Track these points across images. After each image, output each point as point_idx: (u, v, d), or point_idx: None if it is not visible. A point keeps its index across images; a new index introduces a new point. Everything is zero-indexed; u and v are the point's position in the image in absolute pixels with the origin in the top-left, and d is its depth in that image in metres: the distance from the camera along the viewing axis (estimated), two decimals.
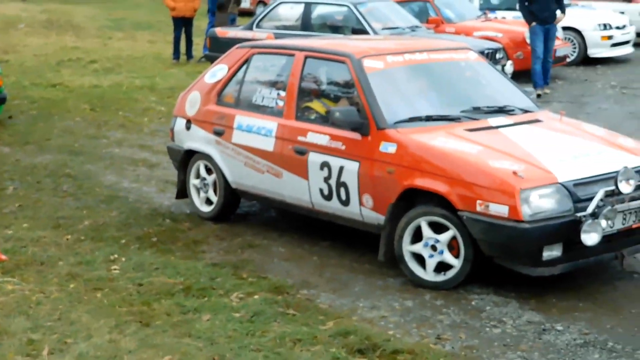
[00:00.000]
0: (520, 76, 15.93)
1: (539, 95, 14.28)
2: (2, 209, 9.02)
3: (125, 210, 9.06)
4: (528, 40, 16.71)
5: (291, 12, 17.04)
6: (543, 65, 15.54)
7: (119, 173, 10.67)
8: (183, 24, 19.99)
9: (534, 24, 15.44)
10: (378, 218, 7.19)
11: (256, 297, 6.67)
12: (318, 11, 16.72)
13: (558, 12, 15.84)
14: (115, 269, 7.30)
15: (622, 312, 6.46)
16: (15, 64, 19.23)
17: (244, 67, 8.55)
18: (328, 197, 7.56)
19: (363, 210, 7.33)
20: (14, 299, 6.56)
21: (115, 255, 7.61)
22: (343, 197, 7.43)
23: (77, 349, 5.69)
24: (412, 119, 7.31)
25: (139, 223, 8.62)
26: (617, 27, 19.59)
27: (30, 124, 13.60)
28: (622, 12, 20.71)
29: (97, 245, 7.90)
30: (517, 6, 16.21)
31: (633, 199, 6.70)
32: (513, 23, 18.25)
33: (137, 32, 26.50)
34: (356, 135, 7.28)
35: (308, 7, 16.79)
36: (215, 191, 8.61)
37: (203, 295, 6.70)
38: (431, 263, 6.87)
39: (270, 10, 17.38)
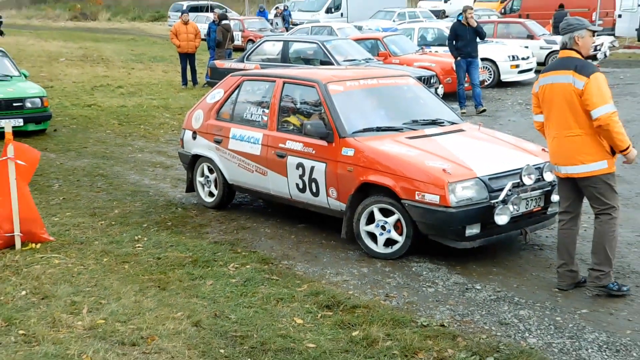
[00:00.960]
0: (449, 97, 16.06)
1: (464, 113, 14.26)
2: (50, 201, 9.02)
3: (146, 202, 9.07)
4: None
5: (273, 48, 17.06)
6: (474, 90, 15.40)
7: (141, 173, 10.68)
8: (187, 58, 19.96)
9: (458, 58, 15.35)
10: (341, 206, 7.25)
11: (248, 266, 6.71)
12: (294, 47, 16.76)
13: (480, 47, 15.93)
14: (138, 247, 7.32)
15: (525, 275, 6.55)
16: (58, 89, 19.14)
17: (237, 90, 8.57)
18: (302, 190, 7.60)
19: (329, 200, 7.38)
20: (59, 270, 6.60)
21: (139, 236, 7.64)
22: (314, 190, 7.47)
23: (109, 308, 5.73)
24: (365, 130, 7.36)
25: (157, 211, 8.64)
26: (523, 58, 19.75)
27: (70, 135, 13.56)
28: (527, 47, 20.87)
29: (125, 229, 7.92)
30: (447, 43, 16.21)
31: (533, 189, 6.81)
32: (443, 56, 18.32)
33: (154, 64, 26.42)
34: (323, 143, 7.32)
35: (286, 44, 16.84)
36: (216, 186, 8.63)
37: (207, 265, 6.74)
38: (381, 239, 6.94)
39: (257, 47, 17.39)
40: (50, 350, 5.03)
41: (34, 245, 7.20)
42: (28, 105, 13.10)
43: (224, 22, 20.22)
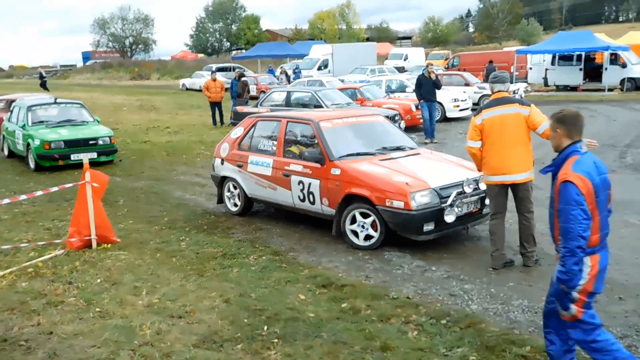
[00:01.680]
0: (410, 130, 16.09)
1: (426, 143, 14.33)
2: (117, 212, 8.96)
3: (188, 211, 9.02)
4: (414, 110, 16.89)
5: (279, 96, 17.07)
6: (430, 126, 15.26)
7: (183, 190, 10.63)
8: (215, 105, 19.98)
9: (422, 101, 15.31)
10: (331, 211, 7.23)
11: (264, 258, 6.68)
12: (294, 95, 16.76)
13: (439, 93, 15.95)
14: (183, 245, 7.27)
15: (468, 259, 6.54)
16: (122, 130, 19.07)
17: (253, 128, 8.57)
18: (303, 200, 7.59)
19: (323, 207, 7.36)
20: (124, 263, 6.57)
21: (183, 237, 7.59)
22: (311, 200, 7.46)
23: (162, 291, 5.70)
24: (348, 155, 7.34)
25: (196, 218, 8.58)
26: (462, 100, 19.79)
27: (131, 164, 13.51)
28: (464, 92, 20.93)
29: (172, 232, 7.88)
30: (413, 90, 16.15)
31: (472, 195, 6.83)
32: (404, 99, 18.33)
33: (192, 110, 26.39)
34: (317, 165, 7.32)
35: (289, 94, 16.86)
36: (239, 199, 8.60)
37: (233, 258, 6.70)
38: (362, 235, 6.92)
39: (267, 96, 17.41)
40: (119, 323, 5.00)
41: (106, 245, 7.17)
42: (100, 142, 13.09)
43: (242, 79, 20.23)
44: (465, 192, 6.75)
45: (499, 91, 6.18)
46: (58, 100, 14.66)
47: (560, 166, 3.60)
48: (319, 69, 35.69)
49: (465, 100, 20.02)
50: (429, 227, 6.56)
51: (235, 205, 8.68)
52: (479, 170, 6.34)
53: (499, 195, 6.14)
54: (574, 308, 3.55)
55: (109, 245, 7.17)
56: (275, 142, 8.10)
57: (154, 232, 7.92)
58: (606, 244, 3.64)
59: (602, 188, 3.53)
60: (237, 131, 8.80)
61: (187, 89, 41.50)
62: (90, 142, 12.97)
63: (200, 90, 40.92)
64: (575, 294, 3.52)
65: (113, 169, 12.75)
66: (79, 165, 8.90)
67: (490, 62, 29.56)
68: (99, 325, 4.98)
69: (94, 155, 12.72)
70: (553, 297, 3.74)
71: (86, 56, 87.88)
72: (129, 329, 4.89)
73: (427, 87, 15.21)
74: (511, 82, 25.60)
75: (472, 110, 20.51)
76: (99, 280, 6.04)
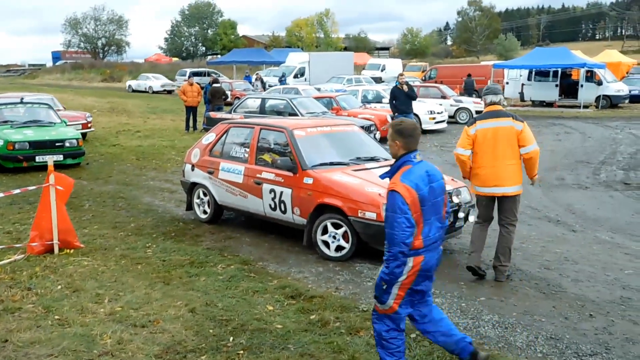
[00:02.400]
0: (385, 141, 16.12)
1: None
2: (82, 217, 8.81)
3: (156, 217, 8.91)
4: (390, 121, 16.67)
5: (254, 103, 17.01)
6: None
7: (152, 196, 10.51)
8: (191, 110, 19.85)
9: (396, 114, 15.10)
10: (303, 221, 7.20)
11: (232, 267, 6.62)
12: (269, 103, 16.72)
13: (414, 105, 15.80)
14: (149, 252, 7.17)
15: (439, 272, 6.41)
16: (90, 134, 18.83)
17: (225, 135, 8.51)
18: (274, 209, 7.55)
19: (294, 216, 7.33)
20: (87, 269, 6.44)
21: (150, 244, 7.49)
22: (283, 209, 7.42)
23: (125, 299, 5.60)
24: (321, 164, 7.33)
25: (164, 225, 8.48)
26: (438, 113, 19.95)
27: (99, 167, 13.32)
28: (441, 104, 21.11)
29: (139, 238, 7.76)
30: (388, 102, 16.07)
31: None
32: (380, 110, 18.45)
33: (164, 115, 26.16)
34: (290, 173, 7.29)
35: (263, 101, 16.82)
36: (208, 206, 8.52)
37: (201, 266, 6.62)
38: (333, 246, 6.90)
39: (242, 102, 17.37)
40: (79, 331, 4.89)
41: (68, 250, 7.03)
42: (67, 144, 12.90)
43: (214, 85, 20.09)
44: None
45: (492, 102, 6.27)
46: (25, 100, 14.43)
47: (394, 174, 3.86)
48: (296, 76, 35.75)
49: (442, 112, 20.20)
50: None
51: (205, 212, 8.59)
52: (466, 177, 6.44)
53: (487, 205, 6.29)
54: (390, 301, 3.82)
55: (72, 251, 7.03)
56: (247, 149, 8.05)
57: (120, 238, 7.80)
58: (435, 247, 3.92)
59: (430, 197, 3.81)
60: (209, 137, 8.73)
61: (133, 91, 41.51)
62: (57, 144, 12.77)
63: (145, 92, 41.17)
64: (395, 290, 3.79)
65: (80, 172, 12.55)
66: (44, 167, 8.74)
67: (469, 75, 29.93)
68: (58, 333, 4.87)
69: (60, 157, 12.51)
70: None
71: (56, 56, 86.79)
72: (88, 337, 4.78)
73: (401, 98, 15.03)
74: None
75: (449, 123, 20.76)
76: (59, 287, 5.91)
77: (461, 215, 6.99)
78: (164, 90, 42.34)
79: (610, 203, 10.04)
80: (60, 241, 6.99)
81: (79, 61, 73.62)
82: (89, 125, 17.15)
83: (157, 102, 32.85)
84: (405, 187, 3.70)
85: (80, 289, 5.86)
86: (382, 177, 4.05)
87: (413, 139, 3.91)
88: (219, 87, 19.98)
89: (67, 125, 14.00)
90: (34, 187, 7.39)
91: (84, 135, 16.39)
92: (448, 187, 7.00)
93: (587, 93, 27.20)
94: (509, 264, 6.30)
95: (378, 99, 21.03)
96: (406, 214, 3.65)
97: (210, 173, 8.36)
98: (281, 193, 7.38)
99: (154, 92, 41.54)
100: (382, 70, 42.61)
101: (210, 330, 4.96)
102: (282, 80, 31.38)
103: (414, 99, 15.44)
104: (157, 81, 43.83)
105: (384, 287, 3.78)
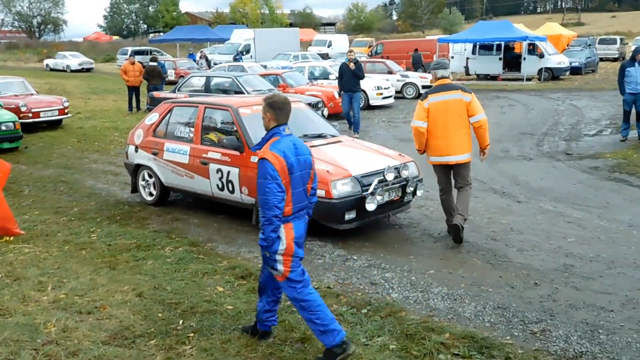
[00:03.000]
0: (332, 117, 16.14)
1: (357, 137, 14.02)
2: (21, 203, 8.55)
3: (100, 201, 8.72)
4: (337, 98, 16.19)
5: (199, 82, 16.67)
6: (354, 118, 14.51)
7: (95, 179, 10.26)
8: (133, 90, 19.39)
9: (342, 92, 14.80)
10: (251, 200, 7.14)
11: (180, 249, 6.55)
12: (215, 81, 16.43)
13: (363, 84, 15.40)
14: (93, 236, 7.02)
15: (389, 247, 6.62)
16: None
17: (169, 114, 8.34)
18: (222, 189, 7.46)
19: (242, 196, 7.26)
20: (29, 257, 6.25)
21: (94, 228, 7.33)
22: (230, 188, 7.35)
23: (69, 285, 5.46)
24: None
25: (108, 208, 8.30)
26: (385, 88, 20.04)
27: (38, 151, 12.91)
28: (387, 80, 21.19)
29: (82, 223, 7.58)
30: (335, 78, 15.70)
31: (393, 184, 6.90)
32: (327, 87, 18.41)
33: (106, 95, 25.48)
34: (236, 153, 7.21)
35: (208, 79, 16.53)
36: (154, 188, 8.37)
37: (148, 249, 6.53)
38: None
39: (186, 81, 17.03)
40: (21, 321, 4.74)
41: (8, 238, 6.82)
42: (3, 128, 12.49)
43: (150, 63, 19.53)
44: (386, 180, 6.81)
45: (442, 77, 6.68)
46: None
47: (264, 145, 4.15)
48: (241, 53, 35.27)
49: (388, 88, 20.29)
50: (350, 215, 6.59)
51: (151, 194, 8.44)
52: (421, 149, 6.79)
53: (443, 173, 6.80)
54: (281, 267, 4.10)
55: (12, 238, 6.81)
56: (192, 129, 7.92)
57: (62, 223, 7.60)
58: (301, 215, 4.20)
59: (297, 167, 4.10)
60: (152, 117, 8.54)
61: (51, 70, 40.47)
62: None
63: (64, 71, 40.18)
64: (279, 257, 4.08)
65: (18, 156, 12.14)
66: None
67: (416, 50, 30.16)
68: None
69: None
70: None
71: None
72: (31, 326, 4.64)
73: (347, 76, 14.57)
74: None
75: (395, 99, 20.89)
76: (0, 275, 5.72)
77: (409, 190, 7.06)
78: (82, 69, 41.22)
79: (553, 173, 10.33)
80: None
81: (14, 41, 70.79)
82: (66, 110, 16.35)
83: (98, 82, 31.92)
84: (274, 155, 3.97)
85: (22, 277, 5.68)
86: (254, 149, 4.39)
87: (283, 113, 4.20)
88: (154, 66, 19.32)
89: (1, 107, 13.48)
90: None
91: (60, 121, 15.85)
92: (396, 162, 7.08)
93: (529, 66, 27.79)
94: (467, 216, 6.73)
95: (325, 76, 20.96)
96: (277, 179, 3.93)
97: (154, 154, 8.20)
98: (228, 172, 7.30)
99: (72, 71, 40.45)
100: (328, 47, 42.43)
101: (159, 314, 4.89)
102: (237, 58, 30.62)
103: (360, 79, 14.80)
104: (74, 59, 42.24)
105: (268, 255, 4.09)
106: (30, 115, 14.84)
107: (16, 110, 13.98)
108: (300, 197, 4.16)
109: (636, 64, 12.21)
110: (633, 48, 13.48)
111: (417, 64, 28.68)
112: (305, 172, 4.21)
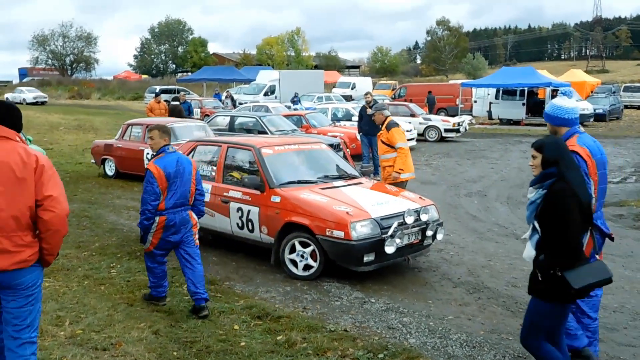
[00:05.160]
0: (354, 159, 16.14)
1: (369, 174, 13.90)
2: None
3: (121, 237, 8.75)
4: (359, 139, 16.00)
5: (223, 121, 16.90)
6: (374, 161, 14.38)
7: (117, 214, 10.33)
8: None
9: (361, 134, 14.88)
10: (270, 239, 7.13)
11: None
12: (239, 120, 16.61)
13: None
14: (113, 272, 7.03)
15: (408, 290, 6.53)
16: (56, 150, 18.56)
17: (192, 152, 8.41)
18: (241, 228, 7.47)
19: (262, 235, 7.26)
20: (48, 291, 6.25)
21: (114, 264, 7.35)
22: (250, 227, 7.35)
23: (87, 321, 5.46)
24: (289, 183, 7.29)
25: (129, 244, 8.31)
26: (408, 130, 20.03)
27: (64, 186, 13.05)
28: (410, 122, 21.23)
29: (103, 258, 7.61)
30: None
31: (413, 227, 6.85)
32: (349, 128, 18.46)
33: None
34: (257, 192, 7.23)
35: (233, 118, 16.73)
36: None
37: None
38: (301, 265, 6.84)
39: (211, 119, 17.26)
40: (37, 355, 4.72)
41: None
42: None
43: (172, 102, 19.48)
44: (406, 223, 6.77)
45: (389, 115, 8.96)
46: None
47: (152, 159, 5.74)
48: (266, 94, 35.75)
49: (411, 130, 20.32)
50: (369, 257, 6.53)
51: None
52: (403, 169, 8.50)
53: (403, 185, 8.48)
54: (148, 244, 5.76)
55: None
56: (214, 168, 7.98)
57: (83, 258, 7.63)
58: (179, 211, 5.69)
59: (174, 176, 5.61)
60: None
61: (16, 104, 41.72)
62: None
63: (20, 103, 41.57)
64: (150, 237, 5.72)
65: None
66: None
67: (430, 92, 30.35)
68: None
69: None
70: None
71: (23, 73, 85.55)
72: None
73: (365, 119, 14.38)
74: (456, 115, 26.23)
75: (418, 141, 20.89)
76: None
77: (429, 233, 7.00)
78: (37, 102, 45.21)
79: None
80: None
81: (46, 78, 72.65)
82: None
83: (126, 119, 32.43)
84: (155, 167, 5.59)
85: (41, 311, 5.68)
86: (150, 159, 6.00)
87: (167, 135, 5.80)
88: (176, 105, 19.11)
89: (31, 142, 13.73)
90: None
91: None
92: (415, 205, 7.04)
93: None
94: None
95: (348, 117, 21.11)
96: (153, 184, 5.54)
97: None
98: (249, 212, 7.31)
99: (27, 104, 43.67)
100: (352, 89, 42.83)
101: (174, 353, 4.85)
102: (295, 101, 29.82)
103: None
104: (30, 94, 47.46)
105: (142, 234, 5.72)
106: None
107: None
108: (178, 198, 5.65)
109: None
110: None
111: (430, 106, 28.71)
112: (186, 179, 5.70)
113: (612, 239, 4.57)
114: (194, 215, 5.91)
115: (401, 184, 8.50)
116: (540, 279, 3.80)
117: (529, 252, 3.93)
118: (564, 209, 3.67)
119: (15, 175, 3.48)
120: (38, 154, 3.62)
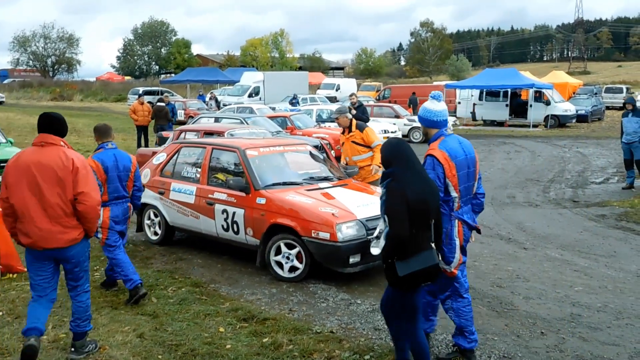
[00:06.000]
0: (338, 160, 16.12)
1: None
2: None
3: None
4: None
5: (208, 122, 16.78)
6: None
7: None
8: (142, 129, 19.54)
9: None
10: (256, 241, 7.11)
11: (183, 289, 6.49)
12: (223, 122, 16.47)
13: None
14: (97, 275, 6.96)
15: None
16: None
17: (176, 154, 8.38)
18: (227, 230, 7.44)
19: (247, 237, 7.23)
20: (29, 295, 6.18)
21: (97, 267, 7.26)
22: (235, 229, 7.32)
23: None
24: (274, 184, 7.28)
25: None
26: (392, 132, 20.15)
27: None
28: (394, 124, 21.33)
29: None
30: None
31: None
32: (335, 129, 18.44)
33: (115, 134, 25.47)
34: (242, 194, 7.21)
35: (217, 120, 16.65)
36: (159, 227, 8.36)
37: (151, 289, 6.46)
38: (286, 267, 6.82)
39: (195, 121, 17.21)
40: None
41: (11, 275, 6.79)
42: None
43: (157, 103, 19.58)
44: None
45: (352, 118, 9.05)
46: None
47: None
48: (250, 95, 35.67)
49: (395, 132, 20.39)
50: (355, 259, 6.54)
51: (156, 234, 8.42)
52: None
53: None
54: (100, 236, 6.08)
55: (15, 275, 6.78)
56: (199, 169, 7.94)
57: None
58: (120, 202, 6.11)
59: (112, 169, 6.00)
60: (160, 157, 8.59)
61: None
62: (1, 164, 12.36)
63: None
64: (99, 229, 6.00)
65: None
66: None
67: (413, 93, 30.48)
68: None
69: None
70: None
71: (3, 74, 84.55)
72: None
73: None
74: None
75: (408, 142, 20.92)
76: (0, 314, 5.67)
77: None
78: None
79: (560, 220, 10.25)
80: (2, 265, 6.74)
81: (28, 79, 71.95)
82: None
83: (108, 121, 32.13)
84: (94, 161, 5.89)
85: (23, 315, 5.59)
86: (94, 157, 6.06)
87: (106, 133, 6.22)
88: (162, 106, 19.35)
89: (12, 144, 13.59)
90: None
91: None
92: None
93: (536, 113, 27.94)
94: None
95: (332, 119, 21.11)
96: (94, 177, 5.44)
97: (161, 194, 8.21)
98: (234, 213, 7.29)
99: None
100: (336, 90, 42.88)
101: (159, 356, 4.82)
102: (293, 103, 29.20)
103: (364, 122, 14.66)
104: None
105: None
106: None
107: None
108: (117, 189, 6.03)
109: (629, 114, 12.38)
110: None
111: (414, 107, 28.81)
112: (123, 174, 6.07)
113: (479, 232, 4.99)
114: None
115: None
116: (384, 266, 4.22)
117: (381, 242, 4.29)
118: (392, 206, 4.06)
119: (57, 175, 4.45)
120: (75, 156, 4.53)
